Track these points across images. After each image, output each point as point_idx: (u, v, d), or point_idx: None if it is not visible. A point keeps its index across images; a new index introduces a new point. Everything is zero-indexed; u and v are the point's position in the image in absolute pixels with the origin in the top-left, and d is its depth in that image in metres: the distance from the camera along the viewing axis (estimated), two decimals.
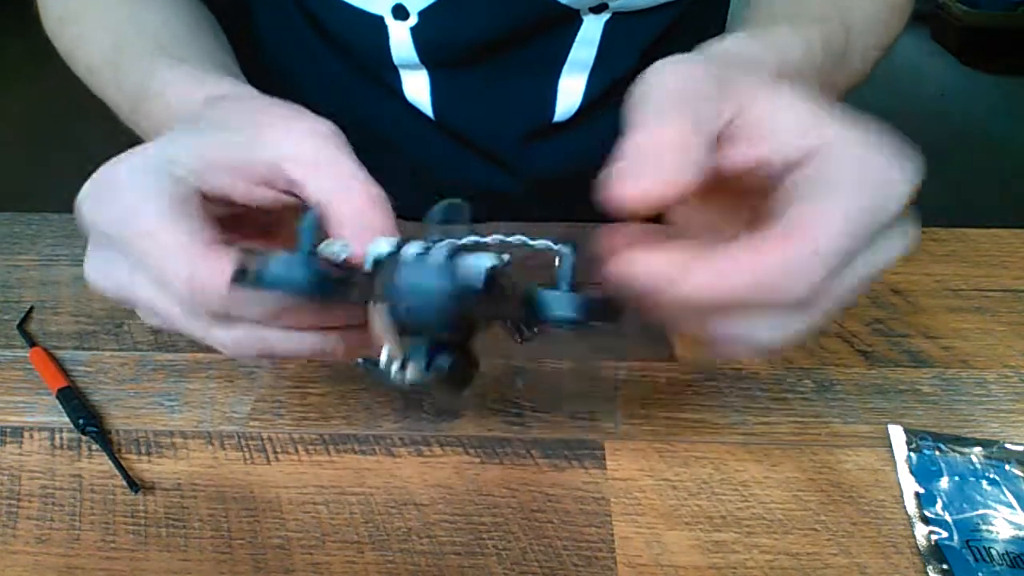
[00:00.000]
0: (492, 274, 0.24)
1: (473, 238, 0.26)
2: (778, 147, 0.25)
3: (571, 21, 0.48)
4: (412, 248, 0.25)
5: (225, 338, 0.28)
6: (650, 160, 0.24)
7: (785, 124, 0.25)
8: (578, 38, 0.49)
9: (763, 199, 0.26)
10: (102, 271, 0.29)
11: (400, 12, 0.47)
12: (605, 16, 0.48)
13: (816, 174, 0.25)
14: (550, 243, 0.25)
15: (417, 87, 0.50)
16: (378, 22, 0.47)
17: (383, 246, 0.25)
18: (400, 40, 0.48)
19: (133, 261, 0.27)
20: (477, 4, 0.46)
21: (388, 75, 0.50)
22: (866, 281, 0.26)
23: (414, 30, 0.47)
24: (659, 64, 0.27)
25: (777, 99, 0.26)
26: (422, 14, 0.46)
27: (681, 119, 0.25)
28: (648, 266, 0.24)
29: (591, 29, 0.48)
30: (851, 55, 0.39)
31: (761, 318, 0.25)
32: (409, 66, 0.49)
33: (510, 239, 0.26)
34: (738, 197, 0.28)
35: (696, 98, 0.25)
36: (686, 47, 0.30)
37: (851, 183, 0.24)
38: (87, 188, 0.28)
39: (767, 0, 0.40)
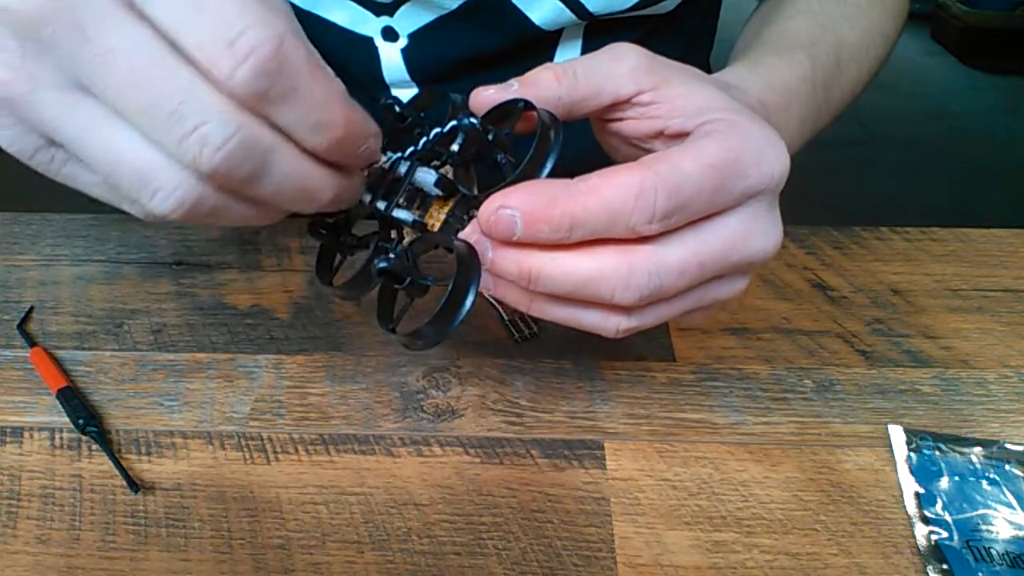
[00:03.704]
0: (440, 179, 0.30)
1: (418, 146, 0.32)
2: (678, 119, 0.30)
3: (555, 33, 0.49)
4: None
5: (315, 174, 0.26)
6: (514, 83, 0.31)
7: (691, 102, 0.30)
8: (560, 46, 0.50)
9: None
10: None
11: (390, 34, 0.48)
12: (584, 22, 0.49)
13: (694, 134, 0.29)
14: (453, 123, 0.31)
15: None
16: (368, 43, 0.48)
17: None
18: (390, 60, 0.49)
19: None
20: (465, 25, 0.46)
21: (379, 91, 0.51)
22: (719, 256, 0.28)
23: (404, 51, 0.48)
24: (617, 44, 0.32)
25: (691, 84, 0.31)
26: (412, 36, 0.47)
27: (564, 69, 0.31)
28: (518, 197, 0.27)
29: (573, 33, 0.49)
30: (844, 69, 0.43)
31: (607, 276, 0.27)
32: (399, 83, 0.50)
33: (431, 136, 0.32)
34: None
35: (606, 63, 0.31)
36: (669, 46, 0.32)
37: (716, 139, 0.28)
38: None
39: (762, 32, 0.44)
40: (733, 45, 0.48)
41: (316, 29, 0.49)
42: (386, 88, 0.51)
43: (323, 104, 0.24)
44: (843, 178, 2.08)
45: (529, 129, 0.30)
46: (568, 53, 0.50)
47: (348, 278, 0.33)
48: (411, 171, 0.31)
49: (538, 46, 0.49)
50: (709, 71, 0.62)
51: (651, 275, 0.27)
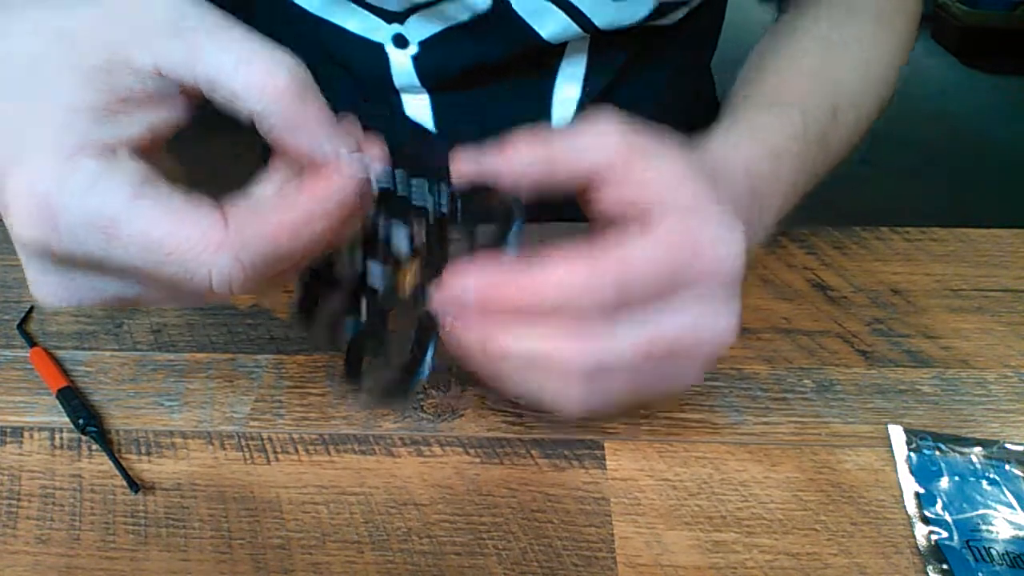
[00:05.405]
0: (410, 236, 0.31)
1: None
2: (642, 204, 0.29)
3: (560, 45, 0.49)
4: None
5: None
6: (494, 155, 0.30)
7: (657, 188, 0.29)
8: (565, 57, 0.50)
9: None
10: (77, 288, 0.30)
11: (400, 41, 0.48)
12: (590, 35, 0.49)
13: (653, 222, 0.28)
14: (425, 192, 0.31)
15: (418, 108, 0.52)
16: (379, 50, 0.49)
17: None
18: (401, 66, 0.49)
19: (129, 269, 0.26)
20: (473, 36, 0.47)
21: (390, 97, 0.52)
22: (666, 345, 0.28)
23: (415, 58, 0.49)
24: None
25: (663, 167, 0.30)
26: (422, 44, 0.48)
27: (542, 146, 0.30)
28: (473, 276, 0.28)
29: (578, 46, 0.50)
30: (841, 120, 0.43)
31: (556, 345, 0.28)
32: (409, 88, 0.51)
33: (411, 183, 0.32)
34: None
35: (584, 139, 0.30)
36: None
37: (672, 228, 0.28)
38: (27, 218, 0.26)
39: (756, 83, 0.43)
40: (733, 46, 0.48)
41: (330, 35, 0.50)
42: (396, 93, 0.52)
43: (297, 237, 0.26)
44: (843, 178, 2.08)
45: (497, 204, 0.31)
46: (573, 64, 0.51)
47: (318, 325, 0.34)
48: (387, 229, 0.32)
49: (544, 56, 0.50)
50: (711, 76, 0.62)
51: (597, 355, 0.28)
